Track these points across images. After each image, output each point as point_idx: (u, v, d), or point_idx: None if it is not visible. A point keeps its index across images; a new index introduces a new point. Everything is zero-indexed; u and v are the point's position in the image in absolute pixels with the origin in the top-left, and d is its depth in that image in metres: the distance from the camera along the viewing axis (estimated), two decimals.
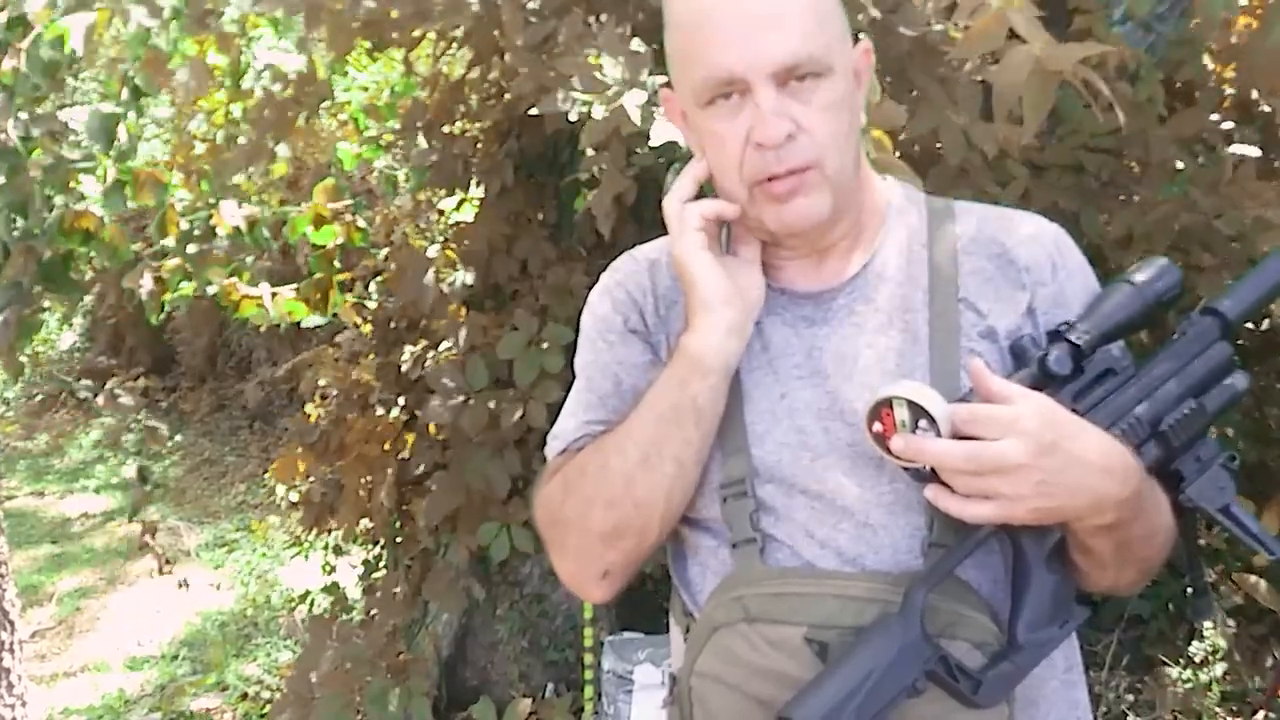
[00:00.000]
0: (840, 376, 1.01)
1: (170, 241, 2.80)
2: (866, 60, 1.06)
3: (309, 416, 3.17)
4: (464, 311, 3.01)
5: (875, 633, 0.90)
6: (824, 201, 1.00)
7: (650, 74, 1.75)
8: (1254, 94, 2.43)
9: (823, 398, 1.01)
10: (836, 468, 0.99)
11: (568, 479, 1.05)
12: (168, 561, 3.37)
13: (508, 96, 2.58)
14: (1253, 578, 2.84)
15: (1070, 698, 1.05)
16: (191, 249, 2.80)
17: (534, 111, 1.90)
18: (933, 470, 0.91)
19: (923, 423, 0.88)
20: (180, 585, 3.53)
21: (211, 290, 2.85)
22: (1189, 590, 1.07)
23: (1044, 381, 0.95)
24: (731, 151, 1.00)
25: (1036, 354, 0.96)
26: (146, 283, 2.77)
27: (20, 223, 2.46)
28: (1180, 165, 2.21)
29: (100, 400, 3.05)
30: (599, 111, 1.70)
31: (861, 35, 1.09)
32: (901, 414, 0.89)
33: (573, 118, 1.77)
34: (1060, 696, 1.03)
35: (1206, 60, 2.34)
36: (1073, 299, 1.03)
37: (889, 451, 0.90)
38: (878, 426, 0.90)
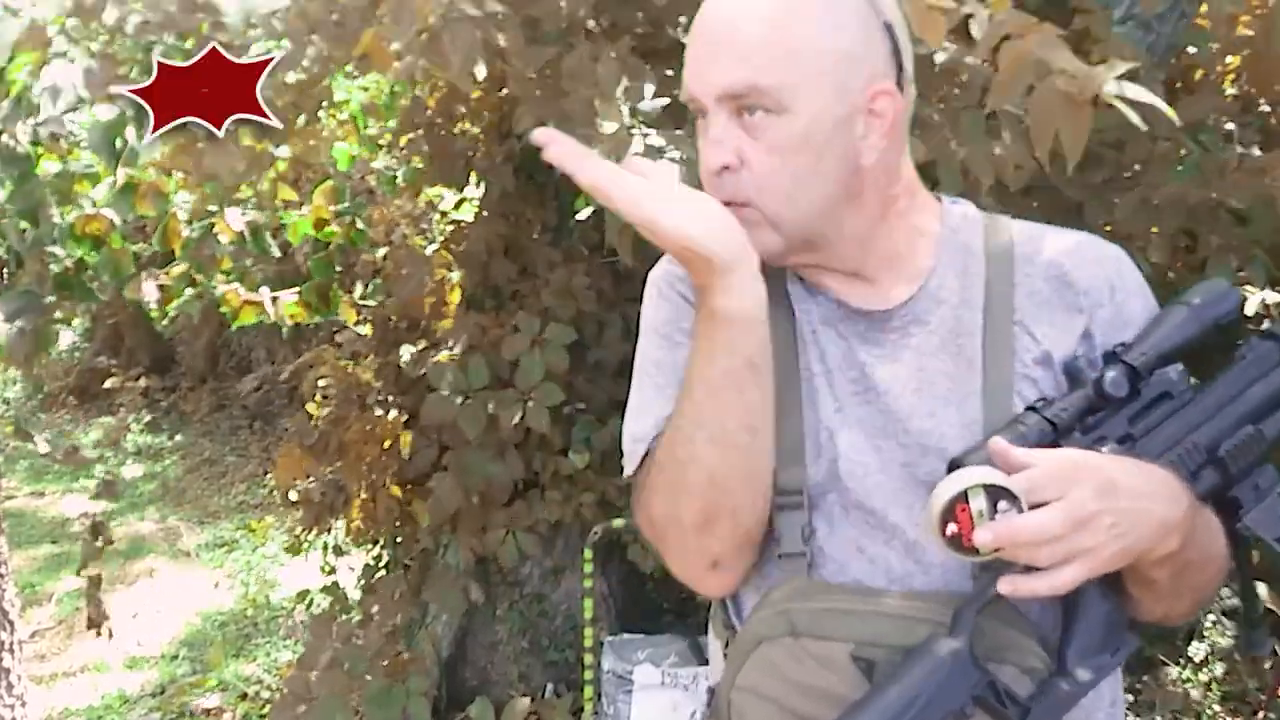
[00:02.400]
0: (892, 396, 0.99)
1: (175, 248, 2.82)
2: (885, 103, 0.97)
3: (311, 416, 3.17)
4: (466, 310, 3.01)
5: (924, 654, 0.88)
6: (769, 239, 0.98)
7: (654, 97, 1.75)
8: (1255, 92, 2.43)
9: (876, 416, 0.99)
10: (888, 486, 0.98)
11: (651, 478, 1.01)
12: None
13: (510, 107, 2.58)
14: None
15: None
16: (193, 252, 2.81)
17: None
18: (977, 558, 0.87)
19: (1002, 504, 0.84)
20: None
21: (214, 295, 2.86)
22: (1244, 622, 1.05)
23: (1100, 404, 0.93)
24: (699, 170, 1.00)
25: (1092, 375, 0.94)
26: (150, 290, 2.78)
27: (31, 231, 2.46)
28: (1185, 155, 2.20)
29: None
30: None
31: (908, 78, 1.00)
32: (979, 504, 0.84)
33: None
34: None
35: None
36: (1131, 321, 1.01)
37: (965, 550, 0.85)
38: (952, 528, 0.85)
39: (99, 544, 3.02)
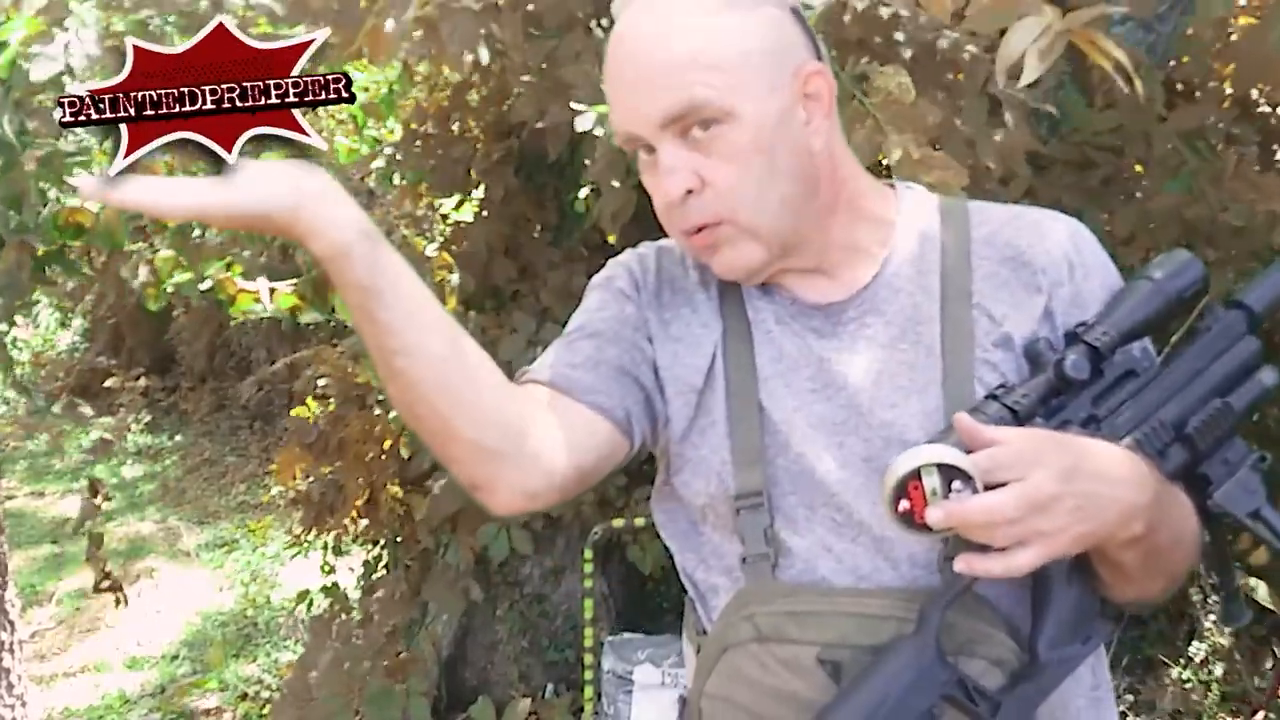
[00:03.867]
0: (852, 390, 0.98)
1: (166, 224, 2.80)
2: (819, 82, 0.97)
3: (306, 414, 3.17)
4: (466, 312, 3.01)
5: (890, 656, 0.87)
6: (749, 251, 0.98)
7: None
8: (1254, 94, 2.44)
9: (836, 412, 0.98)
10: (852, 482, 0.96)
11: None
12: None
13: (508, 102, 2.58)
14: (1252, 580, 2.84)
15: (1098, 717, 1.01)
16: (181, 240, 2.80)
17: (540, 125, 1.90)
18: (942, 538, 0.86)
19: (956, 484, 0.82)
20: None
21: (206, 285, 2.84)
22: (1219, 595, 1.03)
23: (1062, 387, 0.91)
24: (659, 205, 0.99)
25: (1053, 358, 0.91)
26: (142, 273, 2.76)
27: (15, 218, 2.45)
28: (1183, 162, 2.21)
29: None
30: (600, 130, 1.71)
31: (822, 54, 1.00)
32: (932, 483, 0.82)
33: (578, 128, 1.77)
34: (1087, 716, 1.00)
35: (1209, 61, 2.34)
36: (1092, 298, 0.98)
37: (917, 527, 0.84)
38: (904, 505, 0.83)
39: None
